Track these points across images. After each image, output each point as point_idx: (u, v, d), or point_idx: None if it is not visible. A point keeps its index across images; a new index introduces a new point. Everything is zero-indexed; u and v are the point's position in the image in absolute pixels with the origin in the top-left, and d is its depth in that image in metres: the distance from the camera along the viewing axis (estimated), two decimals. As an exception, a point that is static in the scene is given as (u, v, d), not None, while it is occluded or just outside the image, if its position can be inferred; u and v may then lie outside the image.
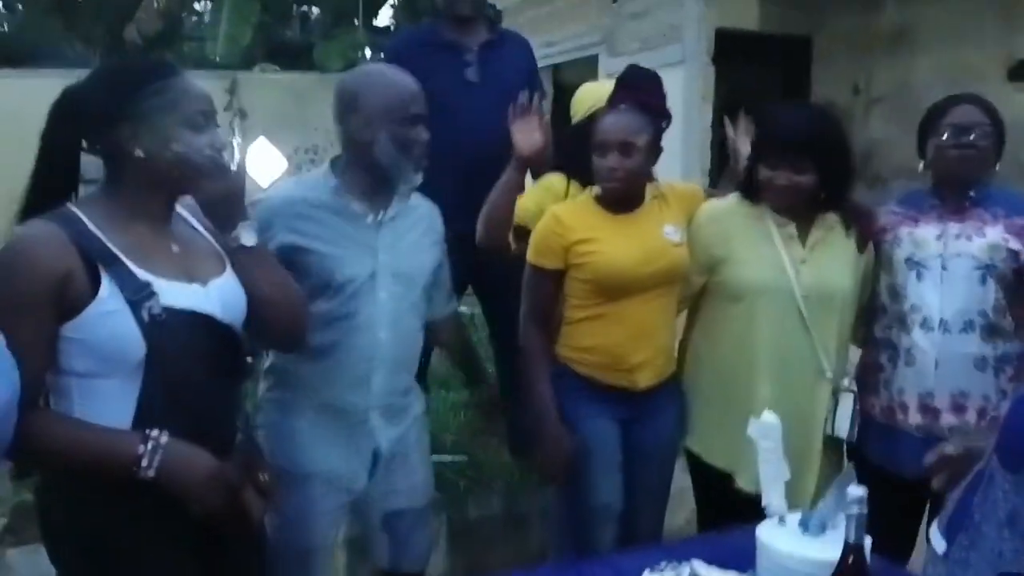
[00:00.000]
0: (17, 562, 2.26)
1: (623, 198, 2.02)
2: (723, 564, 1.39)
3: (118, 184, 1.37)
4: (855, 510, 1.19)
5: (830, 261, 2.00)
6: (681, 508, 2.30)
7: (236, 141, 9.50)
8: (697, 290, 2.11)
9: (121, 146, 1.33)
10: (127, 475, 1.26)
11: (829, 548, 1.34)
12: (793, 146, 1.92)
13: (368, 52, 12.27)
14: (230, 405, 1.46)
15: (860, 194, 2.20)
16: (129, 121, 1.33)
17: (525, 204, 2.23)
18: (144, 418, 1.30)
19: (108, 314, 1.27)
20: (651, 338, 2.02)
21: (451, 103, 2.34)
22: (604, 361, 2.00)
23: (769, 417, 1.54)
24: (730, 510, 2.01)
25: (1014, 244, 1.92)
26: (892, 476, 1.92)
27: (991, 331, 1.92)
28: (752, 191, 2.02)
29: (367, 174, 1.78)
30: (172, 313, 1.31)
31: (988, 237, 1.93)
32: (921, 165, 2.04)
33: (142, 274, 1.31)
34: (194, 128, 1.35)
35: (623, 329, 1.98)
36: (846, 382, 1.99)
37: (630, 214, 2.03)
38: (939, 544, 1.02)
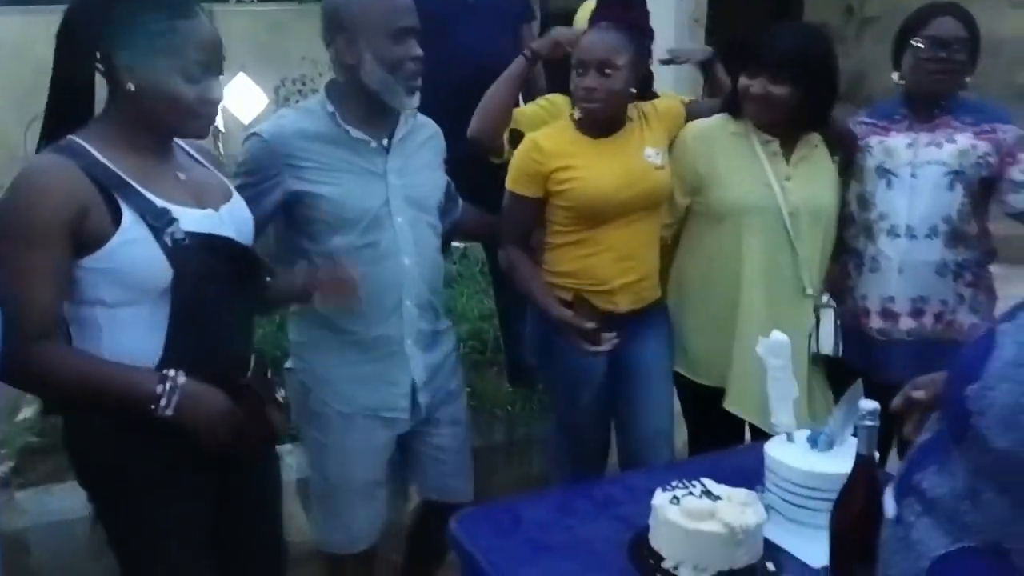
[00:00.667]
0: (25, 503, 2.25)
1: (603, 120, 1.97)
2: (732, 482, 1.39)
3: (116, 112, 1.35)
4: (867, 422, 1.19)
5: (814, 178, 2.02)
6: (678, 432, 2.31)
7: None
8: (682, 214, 2.10)
9: (117, 74, 1.31)
10: (145, 412, 1.28)
11: (838, 463, 1.36)
12: (773, 57, 1.93)
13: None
14: (247, 324, 1.49)
15: (850, 114, 2.19)
16: (128, 51, 1.30)
17: (524, 110, 2.19)
18: (174, 341, 1.33)
19: (132, 242, 1.28)
20: (633, 261, 2.00)
21: (449, 24, 2.28)
22: (586, 284, 1.98)
23: (778, 335, 1.55)
24: (721, 430, 2.07)
25: (983, 148, 1.97)
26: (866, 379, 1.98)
27: (954, 236, 1.99)
28: (734, 104, 2.03)
29: (362, 99, 1.71)
30: (193, 237, 1.32)
31: (958, 143, 1.98)
32: (896, 75, 2.05)
33: (159, 201, 1.32)
34: (188, 78, 1.31)
35: (605, 253, 1.97)
36: (825, 298, 2.02)
37: (610, 137, 1.99)
38: (890, 508, 1.00)
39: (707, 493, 1.32)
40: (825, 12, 5.96)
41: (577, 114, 1.99)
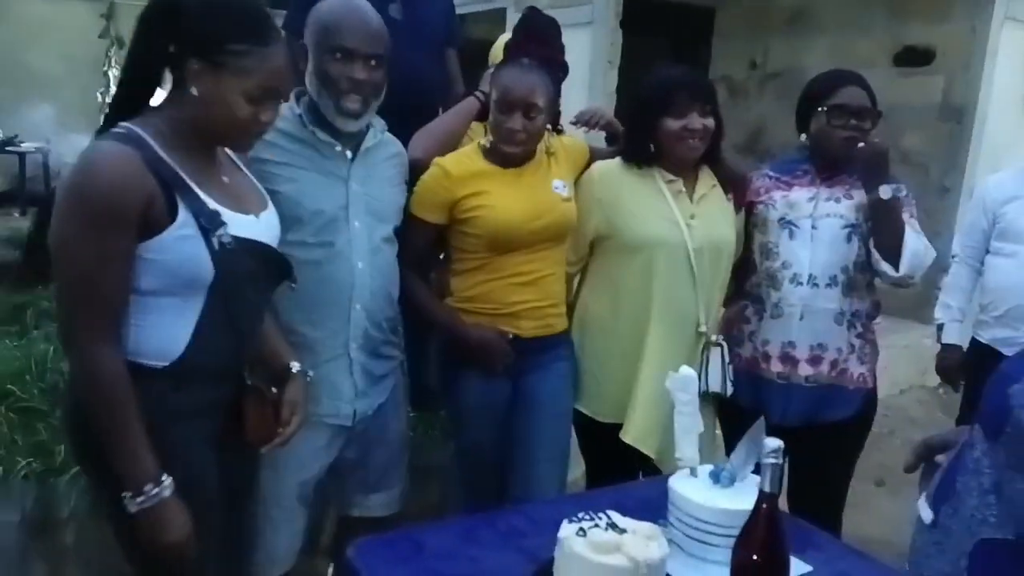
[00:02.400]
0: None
1: (521, 158, 1.99)
2: (635, 514, 1.40)
3: (174, 110, 1.38)
4: (771, 460, 1.22)
5: (716, 216, 2.09)
6: (576, 465, 2.32)
7: (112, 73, 8.91)
8: (586, 252, 2.13)
9: (184, 74, 1.35)
10: (122, 486, 1.32)
11: (740, 499, 1.39)
12: (699, 90, 1.99)
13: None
14: (262, 320, 1.54)
15: (749, 167, 2.29)
16: (201, 60, 1.33)
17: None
18: (202, 336, 1.38)
19: (184, 238, 1.33)
20: (536, 286, 2.00)
21: None
22: (488, 307, 1.97)
23: (686, 370, 1.57)
24: (618, 465, 2.09)
25: None
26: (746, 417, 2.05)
27: (851, 286, 2.09)
28: (641, 153, 2.05)
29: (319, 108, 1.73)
30: (237, 242, 1.38)
31: (855, 199, 2.09)
32: (803, 136, 2.15)
33: (212, 204, 1.37)
34: (249, 99, 1.36)
35: (509, 279, 1.97)
36: (714, 337, 2.08)
37: (519, 168, 1.99)
38: (926, 514, 1.08)
39: (613, 526, 1.31)
40: (730, 65, 6.25)
41: (486, 142, 1.98)
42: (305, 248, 1.69)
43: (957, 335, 2.84)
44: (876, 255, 2.06)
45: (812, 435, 2.08)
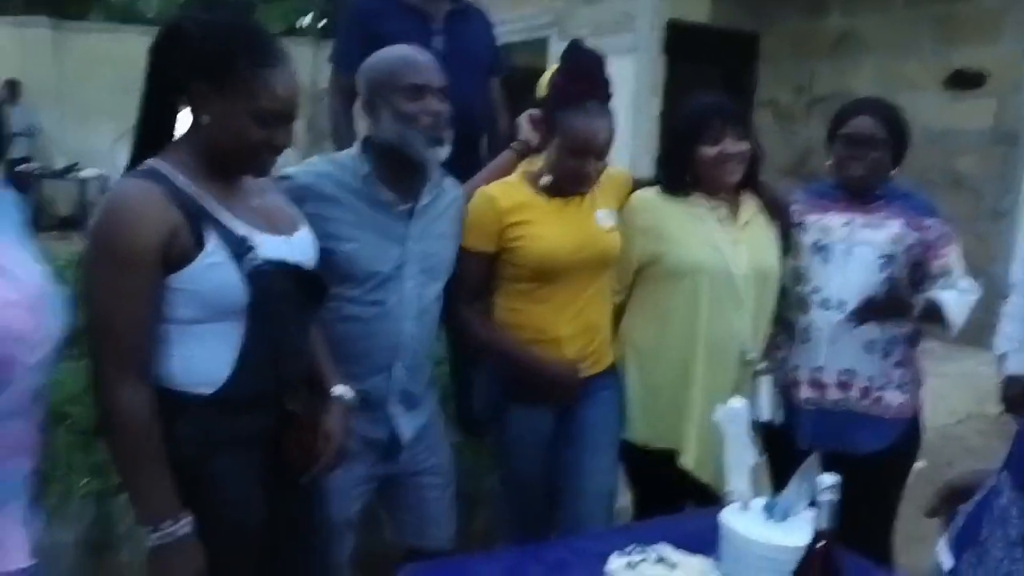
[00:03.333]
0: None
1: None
2: (685, 548, 1.38)
3: (191, 140, 1.39)
4: (826, 497, 1.20)
5: (761, 241, 2.07)
6: (621, 494, 2.30)
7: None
8: (630, 281, 2.12)
9: (195, 103, 1.36)
10: (139, 521, 1.33)
11: (792, 535, 1.37)
12: (731, 115, 2.00)
13: (310, 17, 11.96)
14: (307, 343, 1.54)
15: (791, 189, 2.29)
16: (208, 87, 1.34)
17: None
18: (245, 361, 1.38)
19: (214, 266, 1.34)
20: (580, 316, 1.99)
21: None
22: (533, 337, 1.97)
23: (736, 403, 1.55)
24: (668, 495, 2.07)
25: (912, 238, 2.05)
26: (788, 447, 2.02)
27: (866, 307, 2.02)
28: (678, 183, 2.05)
29: (390, 158, 1.73)
30: (269, 263, 1.38)
31: (891, 229, 2.06)
32: (827, 164, 2.15)
33: (240, 229, 1.38)
34: (259, 122, 1.35)
35: (553, 306, 1.96)
36: (761, 365, 2.05)
37: (564, 199, 1.99)
38: (947, 560, 1.04)
39: (662, 560, 1.30)
40: (776, 89, 6.22)
41: (546, 181, 1.97)
42: (355, 304, 1.70)
43: (1020, 365, 2.76)
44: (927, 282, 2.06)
45: (846, 465, 2.02)
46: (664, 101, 5.56)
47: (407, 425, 1.81)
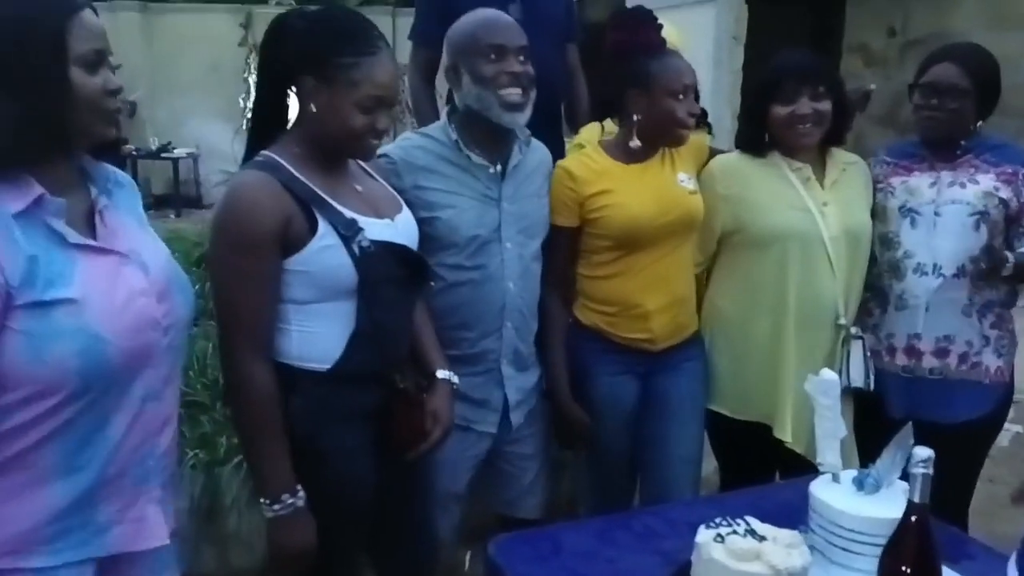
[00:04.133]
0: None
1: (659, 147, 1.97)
2: (772, 520, 1.38)
3: (301, 130, 1.49)
4: (920, 470, 1.18)
5: (850, 201, 2.01)
6: (706, 459, 2.30)
7: (251, 80, 9.43)
8: (713, 249, 2.09)
9: (303, 95, 1.45)
10: (257, 493, 1.44)
11: (885, 507, 1.35)
12: (808, 73, 1.94)
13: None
14: (410, 323, 1.61)
15: (889, 141, 2.19)
16: (314, 76, 1.43)
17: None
18: (358, 337, 1.47)
19: (326, 248, 1.43)
20: (668, 286, 1.98)
21: None
22: (619, 311, 1.97)
23: (828, 373, 1.52)
24: (755, 467, 2.06)
25: (1004, 192, 1.95)
26: (881, 414, 1.98)
27: (981, 276, 1.96)
28: (758, 144, 2.02)
29: (475, 123, 1.78)
30: (376, 245, 1.46)
31: (981, 184, 1.96)
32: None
33: (348, 213, 1.46)
34: (362, 109, 1.43)
35: (640, 278, 1.95)
36: (854, 330, 2.00)
37: (641, 163, 1.97)
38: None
39: (751, 532, 1.30)
40: (866, 33, 5.92)
41: (637, 144, 1.95)
42: (460, 271, 1.77)
43: None
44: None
45: (939, 432, 1.95)
46: (747, 52, 5.37)
47: (517, 386, 1.88)
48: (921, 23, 5.53)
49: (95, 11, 1.18)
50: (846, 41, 6.03)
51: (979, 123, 1.99)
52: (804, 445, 1.99)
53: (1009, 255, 1.90)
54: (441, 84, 2.73)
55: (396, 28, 8.39)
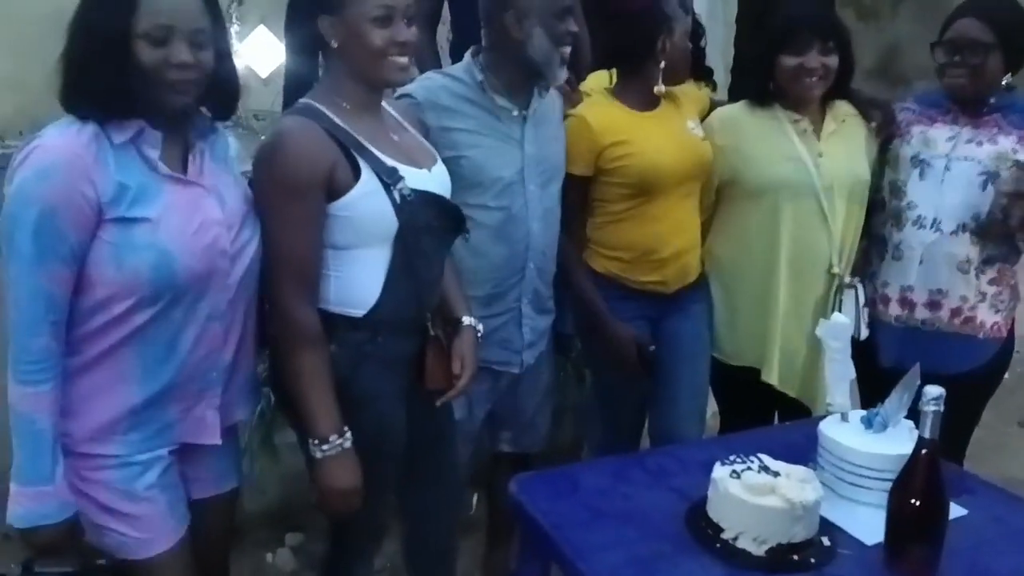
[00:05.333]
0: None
1: (653, 95, 2.00)
2: (782, 458, 1.43)
3: (334, 76, 1.51)
4: (932, 407, 1.23)
5: (847, 152, 2.03)
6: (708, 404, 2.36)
7: (233, 28, 9.25)
8: (712, 199, 2.12)
9: (323, 36, 1.47)
10: (306, 436, 1.46)
11: (893, 444, 1.41)
12: (818, 26, 1.94)
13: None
14: (442, 271, 1.64)
15: (882, 93, 2.20)
16: (327, 13, 1.46)
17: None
18: (392, 283, 1.50)
19: (369, 194, 1.45)
20: (682, 232, 2.03)
21: None
22: (636, 256, 2.00)
23: (839, 317, 1.58)
24: (753, 409, 2.11)
25: (1022, 155, 1.92)
26: (871, 364, 1.99)
27: (982, 235, 1.96)
28: (762, 93, 2.03)
29: (516, 70, 1.79)
30: (416, 194, 1.49)
31: (999, 145, 1.94)
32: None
33: (389, 161, 1.48)
34: (379, 23, 1.44)
35: (655, 224, 1.99)
36: (848, 279, 2.03)
37: (653, 112, 2.00)
38: None
39: (765, 468, 1.35)
40: (860, -15, 5.88)
41: (662, 89, 1.98)
42: (486, 211, 1.78)
43: None
44: None
45: (934, 382, 2.00)
46: (740, 5, 5.32)
47: (532, 327, 1.91)
48: (915, -26, 5.50)
49: None
50: (839, -7, 5.99)
51: (1009, 76, 1.95)
52: (796, 388, 2.06)
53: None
54: (440, 36, 2.72)
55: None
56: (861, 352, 2.03)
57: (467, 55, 1.83)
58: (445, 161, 1.67)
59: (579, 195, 1.99)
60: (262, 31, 6.42)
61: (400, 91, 1.73)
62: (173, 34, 1.26)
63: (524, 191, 1.82)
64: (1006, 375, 2.19)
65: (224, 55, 1.37)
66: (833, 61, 1.95)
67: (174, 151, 1.35)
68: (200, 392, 1.40)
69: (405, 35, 1.47)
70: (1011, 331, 2.08)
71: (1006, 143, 1.94)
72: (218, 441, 1.45)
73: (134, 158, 1.29)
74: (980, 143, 1.96)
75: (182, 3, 1.27)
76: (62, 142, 1.24)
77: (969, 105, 1.99)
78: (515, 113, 1.81)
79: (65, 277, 1.25)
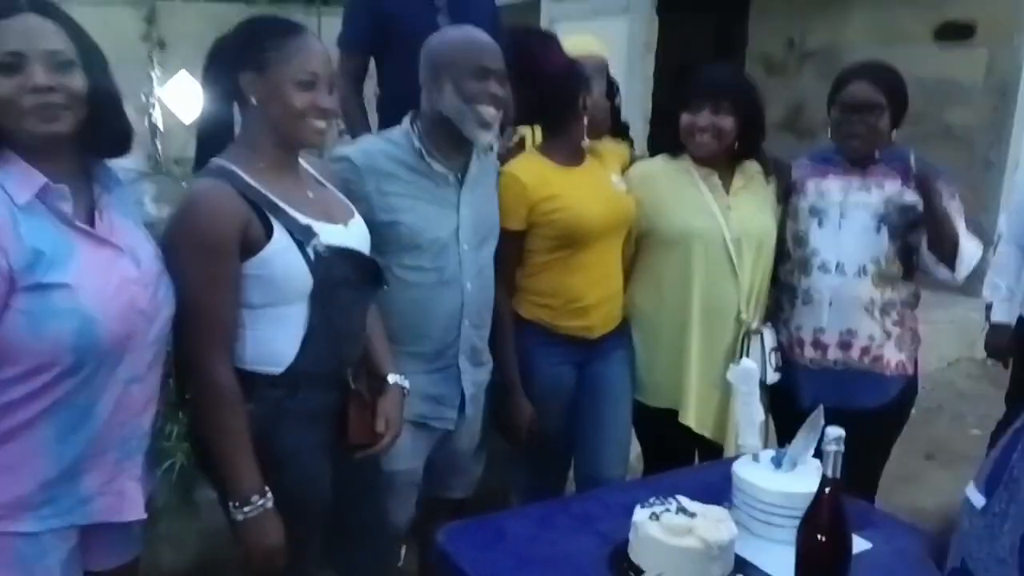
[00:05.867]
0: None
1: (578, 151, 2.10)
2: (699, 498, 1.49)
3: (249, 133, 1.53)
4: (833, 448, 1.31)
5: (753, 207, 2.15)
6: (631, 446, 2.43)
7: (155, 74, 9.10)
8: (632, 249, 2.22)
9: (243, 92, 1.49)
10: (226, 498, 1.45)
11: (802, 482, 1.48)
12: (713, 89, 2.08)
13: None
14: (363, 325, 1.65)
15: (790, 145, 2.34)
16: (250, 70, 1.48)
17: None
18: (310, 341, 1.50)
19: (281, 251, 1.46)
20: (606, 281, 2.12)
21: (421, 37, 2.34)
22: (562, 303, 2.07)
23: (747, 363, 1.66)
24: (673, 449, 2.20)
25: (909, 197, 2.09)
26: (792, 405, 2.12)
27: (881, 277, 2.12)
28: (673, 145, 2.16)
29: (444, 134, 1.83)
30: (332, 250, 1.50)
31: (886, 190, 2.11)
32: (829, 129, 2.18)
33: (303, 218, 1.49)
34: (300, 86, 1.47)
35: (581, 273, 2.06)
36: (755, 324, 2.14)
37: (579, 167, 2.09)
38: (977, 500, 1.07)
39: (683, 510, 1.41)
40: (768, 43, 6.23)
41: (587, 143, 2.09)
42: (421, 272, 1.82)
43: (1007, 314, 2.87)
44: (931, 258, 2.10)
45: (846, 420, 2.11)
46: (657, 60, 5.58)
47: (472, 380, 1.94)
48: (818, 36, 5.87)
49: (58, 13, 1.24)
50: (748, 51, 6.33)
51: (893, 132, 2.12)
52: (711, 429, 2.14)
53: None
54: (368, 90, 2.78)
55: (320, 28, 8.28)
56: (780, 395, 2.16)
57: (405, 120, 1.87)
58: (383, 224, 1.70)
59: (513, 248, 2.05)
60: (184, 76, 6.35)
61: (338, 154, 1.77)
62: (25, 60, 1.21)
63: (459, 251, 1.86)
64: (913, 411, 2.32)
65: (103, 83, 1.31)
66: (726, 122, 2.06)
67: (80, 206, 1.30)
68: (119, 463, 1.34)
69: (326, 102, 1.50)
70: (915, 370, 2.22)
71: (892, 187, 2.10)
72: (143, 516, 1.39)
73: (43, 216, 1.24)
74: (869, 189, 2.12)
75: (33, 28, 1.22)
76: None
77: (858, 160, 2.14)
78: (451, 178, 1.86)
79: None
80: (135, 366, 1.33)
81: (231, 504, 1.43)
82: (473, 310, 1.91)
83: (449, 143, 1.85)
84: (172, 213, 1.47)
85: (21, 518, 1.26)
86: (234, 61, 1.49)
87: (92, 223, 1.30)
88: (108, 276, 1.28)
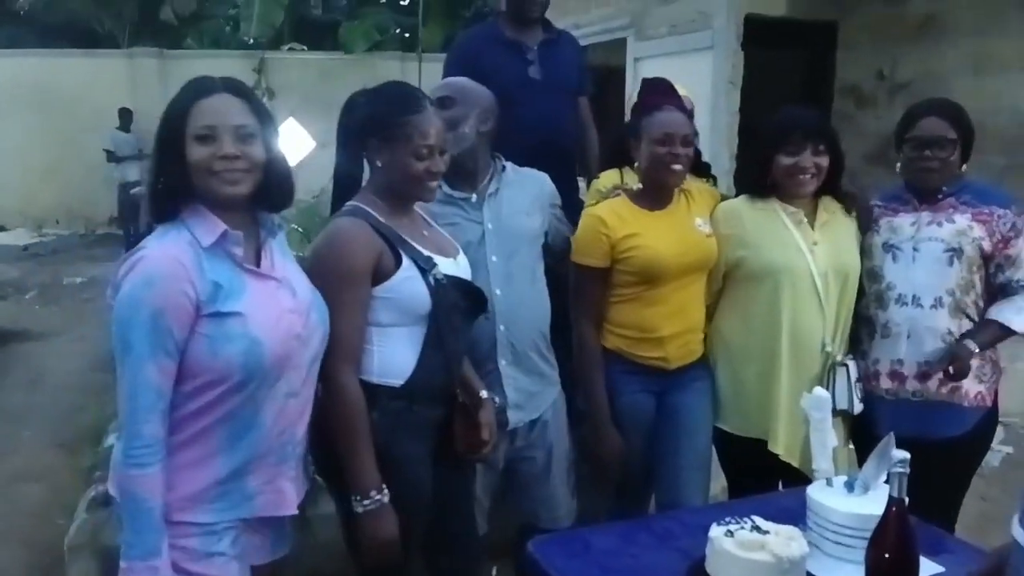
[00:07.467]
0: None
1: (665, 191, 2.22)
2: (776, 521, 1.58)
3: (375, 184, 1.81)
4: (899, 469, 1.39)
5: (839, 242, 2.23)
6: (716, 479, 2.50)
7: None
8: (719, 284, 2.32)
9: (371, 154, 1.79)
10: (350, 491, 1.66)
11: (872, 505, 1.55)
12: (813, 130, 2.17)
13: (393, 31, 12.38)
14: (467, 347, 1.89)
15: (880, 178, 2.40)
16: (377, 138, 1.78)
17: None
18: (425, 357, 1.74)
19: (408, 279, 1.73)
20: (682, 316, 2.23)
21: (516, 99, 2.51)
22: (637, 334, 2.21)
23: (820, 391, 1.74)
24: (758, 479, 2.24)
25: (977, 232, 2.15)
26: (871, 434, 2.12)
27: (957, 308, 2.16)
28: (761, 187, 2.25)
29: (454, 167, 1.99)
30: (447, 278, 1.77)
31: (956, 223, 2.16)
32: (898, 165, 2.26)
33: (425, 251, 1.77)
34: (418, 157, 1.75)
35: (659, 307, 2.20)
36: (840, 356, 2.21)
37: (664, 210, 2.23)
38: (1021, 536, 1.10)
39: (757, 528, 1.51)
40: (857, 75, 6.18)
41: (631, 188, 2.22)
42: None
43: None
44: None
45: (924, 451, 2.14)
46: (743, 95, 5.64)
47: (517, 387, 2.10)
48: (909, 67, 5.80)
49: (240, 93, 1.52)
50: (837, 84, 6.31)
51: (963, 167, 2.20)
52: (798, 458, 2.21)
53: (971, 344, 2.11)
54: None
55: (405, 73, 8.68)
56: (860, 425, 2.22)
57: None
58: None
59: (596, 284, 2.21)
60: (292, 123, 6.84)
61: None
62: (217, 132, 1.45)
63: (487, 263, 2.07)
64: (1011, 450, 2.32)
65: (276, 151, 1.55)
66: (824, 161, 2.18)
67: (249, 248, 1.55)
68: (278, 465, 1.56)
69: (439, 166, 1.78)
70: (995, 402, 2.24)
71: (963, 220, 2.17)
72: (295, 511, 1.61)
73: (222, 258, 1.49)
74: (940, 224, 2.18)
75: (225, 105, 1.47)
76: (162, 252, 1.44)
77: (927, 194, 2.21)
78: (473, 199, 2.10)
79: (171, 369, 1.43)
80: (292, 383, 1.55)
81: (353, 498, 1.64)
82: (505, 312, 2.07)
83: (457, 174, 2.05)
84: (315, 245, 1.74)
85: (200, 510, 1.49)
86: (361, 128, 1.78)
87: (258, 262, 1.56)
88: (271, 306, 1.52)
